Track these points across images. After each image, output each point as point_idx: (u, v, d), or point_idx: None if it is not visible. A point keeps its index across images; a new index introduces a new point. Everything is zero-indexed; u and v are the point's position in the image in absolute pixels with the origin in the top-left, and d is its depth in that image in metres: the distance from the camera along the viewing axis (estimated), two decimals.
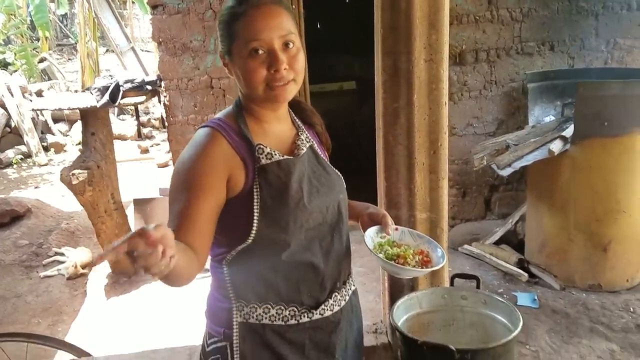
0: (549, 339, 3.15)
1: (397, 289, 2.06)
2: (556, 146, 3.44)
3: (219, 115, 1.35)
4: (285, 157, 1.32)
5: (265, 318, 1.30)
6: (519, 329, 1.66)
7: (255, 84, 1.26)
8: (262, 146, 1.30)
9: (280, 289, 1.30)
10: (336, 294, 1.39)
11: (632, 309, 3.38)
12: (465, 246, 4.25)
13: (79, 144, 8.97)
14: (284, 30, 1.25)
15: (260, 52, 1.23)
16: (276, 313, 1.31)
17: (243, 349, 1.29)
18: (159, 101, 4.62)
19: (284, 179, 1.28)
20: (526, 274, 3.79)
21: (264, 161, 1.28)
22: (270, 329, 1.31)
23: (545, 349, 3.06)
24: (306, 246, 1.29)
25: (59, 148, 9.27)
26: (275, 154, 1.30)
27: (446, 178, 1.99)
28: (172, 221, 1.19)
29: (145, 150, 8.93)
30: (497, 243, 4.24)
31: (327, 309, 1.37)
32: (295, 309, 1.32)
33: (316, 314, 1.34)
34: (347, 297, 1.45)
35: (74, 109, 4.19)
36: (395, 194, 1.96)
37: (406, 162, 1.92)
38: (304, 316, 1.33)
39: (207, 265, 1.25)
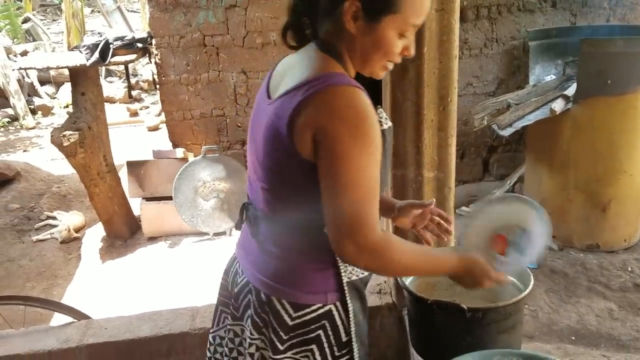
0: (548, 298, 3.17)
1: None
2: (558, 105, 3.39)
3: (330, 70, 1.17)
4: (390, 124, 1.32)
5: (360, 272, 1.32)
6: (530, 287, 1.64)
7: (384, 59, 1.21)
8: (380, 108, 1.26)
9: None
10: None
11: (630, 269, 3.39)
12: (463, 208, 4.23)
13: (67, 106, 8.79)
14: None
15: (407, 35, 1.20)
16: None
17: (353, 305, 1.30)
18: (150, 60, 4.48)
19: (387, 145, 1.29)
20: None
21: (384, 125, 1.25)
22: (361, 281, 1.34)
23: (544, 309, 3.08)
24: None
25: (47, 111, 9.05)
26: (386, 120, 1.27)
27: (454, 135, 1.93)
28: (366, 194, 1.13)
29: (134, 113, 8.75)
30: None
31: None
32: None
33: None
34: None
35: (62, 67, 4.05)
36: (403, 152, 1.90)
37: (414, 119, 1.86)
38: None
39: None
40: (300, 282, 1.28)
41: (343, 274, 1.28)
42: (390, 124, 1.29)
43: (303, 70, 1.18)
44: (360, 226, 1.12)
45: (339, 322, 1.29)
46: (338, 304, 1.29)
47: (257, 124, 1.26)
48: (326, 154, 1.11)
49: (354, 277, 1.30)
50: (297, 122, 1.12)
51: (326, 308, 1.28)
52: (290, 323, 1.27)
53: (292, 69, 1.23)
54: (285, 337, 1.28)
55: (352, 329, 1.30)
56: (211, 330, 1.49)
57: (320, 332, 1.28)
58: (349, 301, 1.29)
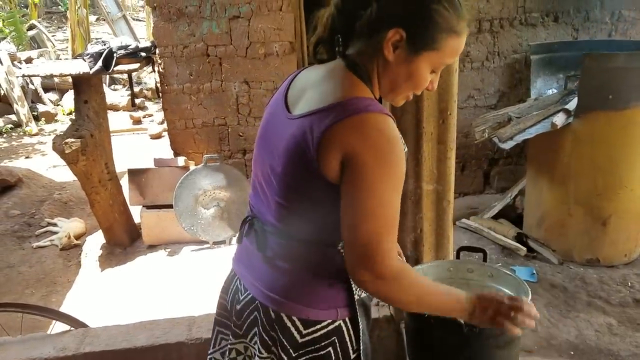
0: (547, 312, 3.15)
1: None
2: (559, 119, 3.39)
3: (360, 95, 1.16)
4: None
5: None
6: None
7: (410, 90, 1.24)
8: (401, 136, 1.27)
9: None
10: None
11: (629, 284, 3.38)
12: (463, 220, 4.22)
13: (70, 113, 8.82)
14: None
15: (437, 71, 1.24)
16: None
17: (361, 323, 1.29)
18: (153, 69, 4.51)
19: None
20: (524, 248, 3.77)
21: (405, 151, 1.24)
22: (369, 298, 1.34)
23: (543, 323, 3.06)
24: None
25: (50, 118, 9.09)
26: (404, 145, 1.27)
27: (454, 149, 1.93)
28: (387, 222, 1.13)
29: (137, 121, 8.78)
30: (496, 217, 4.22)
31: None
32: None
33: None
34: None
35: (66, 75, 4.07)
36: None
37: (413, 131, 1.87)
38: None
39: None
40: (311, 298, 1.25)
41: (354, 291, 1.27)
42: (406, 148, 1.29)
43: (331, 90, 1.17)
44: (376, 254, 1.12)
45: (347, 338, 1.27)
46: (347, 319, 1.27)
47: (274, 136, 1.24)
48: (351, 179, 1.11)
49: (363, 294, 1.29)
50: (327, 146, 1.11)
51: (336, 324, 1.26)
52: (300, 340, 1.25)
53: (316, 85, 1.22)
54: (294, 355, 1.25)
55: (361, 346, 1.28)
56: (209, 352, 1.47)
57: (330, 349, 1.26)
58: (359, 319, 1.28)
